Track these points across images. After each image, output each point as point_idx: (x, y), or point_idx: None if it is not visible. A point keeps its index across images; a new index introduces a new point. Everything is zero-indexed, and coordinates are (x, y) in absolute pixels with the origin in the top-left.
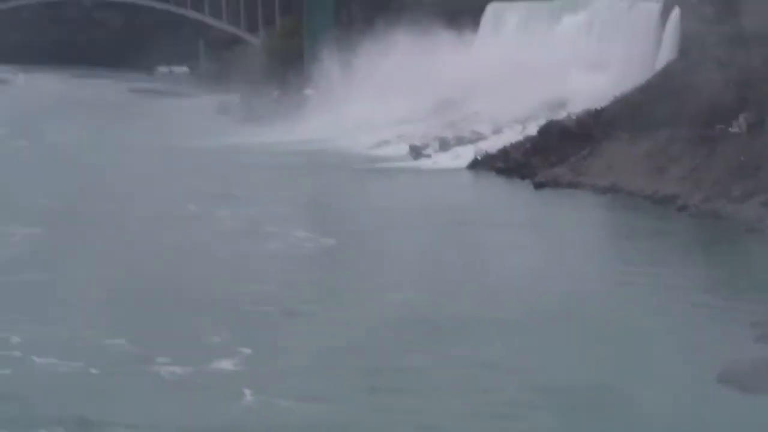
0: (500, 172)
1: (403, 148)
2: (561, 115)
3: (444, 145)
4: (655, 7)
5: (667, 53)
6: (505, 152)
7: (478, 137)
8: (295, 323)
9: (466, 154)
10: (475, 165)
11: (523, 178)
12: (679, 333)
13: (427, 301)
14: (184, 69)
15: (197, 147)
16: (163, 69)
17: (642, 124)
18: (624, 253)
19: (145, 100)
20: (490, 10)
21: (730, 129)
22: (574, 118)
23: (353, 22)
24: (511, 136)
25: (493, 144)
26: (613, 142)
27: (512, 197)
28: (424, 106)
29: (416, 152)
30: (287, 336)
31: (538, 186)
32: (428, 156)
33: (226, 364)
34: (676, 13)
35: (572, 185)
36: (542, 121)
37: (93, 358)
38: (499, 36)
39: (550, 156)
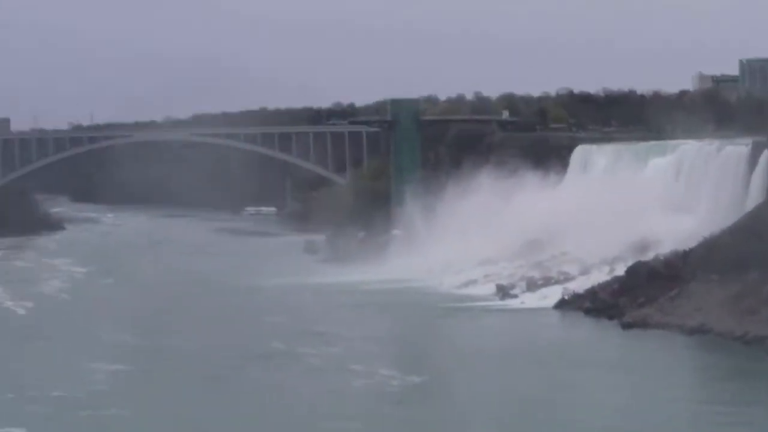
0: (588, 312)
1: (490, 288)
2: (648, 256)
3: (531, 285)
4: (744, 150)
5: (755, 195)
6: (592, 292)
7: (566, 277)
8: None
9: (553, 295)
10: (563, 305)
11: (610, 318)
12: None
13: None
14: (272, 209)
15: (283, 285)
16: (250, 209)
17: (731, 265)
18: (713, 393)
19: (231, 239)
20: (578, 151)
21: None
22: (662, 259)
23: (440, 163)
24: (599, 276)
25: (580, 284)
26: (702, 283)
27: (600, 338)
28: (511, 246)
29: (503, 292)
30: None
31: (626, 326)
32: (515, 296)
33: None
34: (765, 155)
35: (660, 326)
36: (630, 262)
37: None
38: (587, 177)
39: (638, 297)
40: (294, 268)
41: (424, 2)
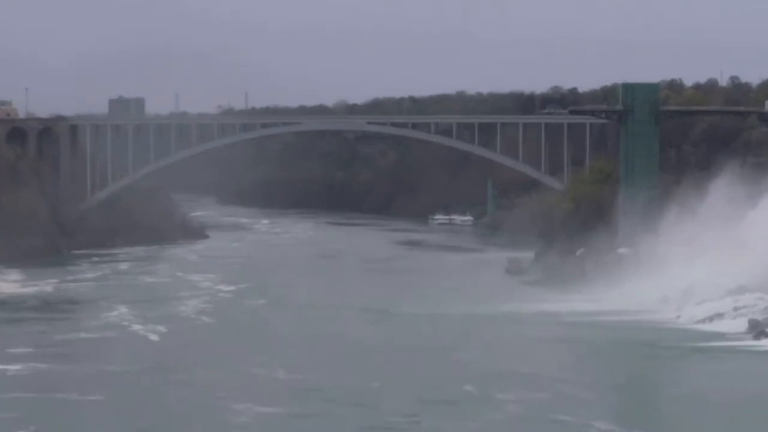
0: None
1: (741, 324)
2: None
3: None
4: None
5: None
6: None
7: None
8: None
9: None
10: None
11: None
12: None
13: None
14: (467, 218)
15: (478, 314)
16: (440, 218)
17: None
18: None
19: (416, 254)
20: None
21: None
22: None
23: (683, 165)
24: None
25: None
26: None
27: None
28: None
29: (758, 329)
30: None
31: None
32: None
33: None
34: None
35: None
36: None
37: None
38: None
39: None
40: (493, 291)
41: None
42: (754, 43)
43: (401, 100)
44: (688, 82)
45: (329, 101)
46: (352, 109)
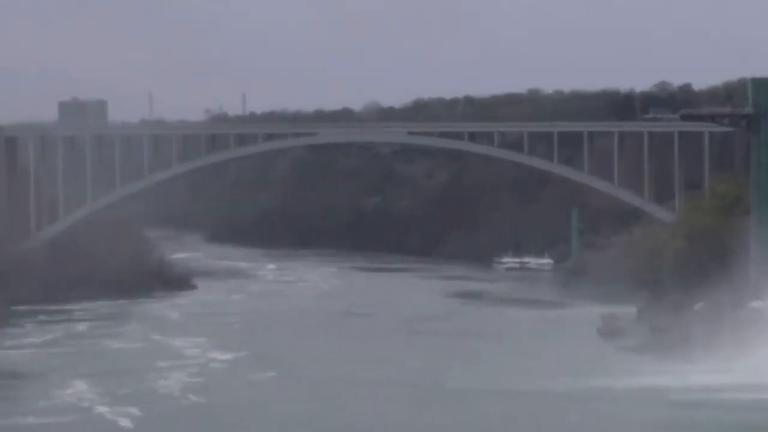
0: None
1: None
2: None
3: None
4: None
5: None
6: None
7: None
8: None
9: None
10: None
11: None
12: None
13: None
14: (546, 261)
15: (561, 391)
16: (509, 260)
17: None
18: None
19: (476, 310)
20: None
21: None
22: None
23: None
24: None
25: None
26: None
27: None
28: None
29: None
30: None
31: None
32: None
33: None
34: None
35: None
36: None
37: None
38: None
39: None
40: (582, 360)
41: None
42: None
43: (454, 101)
44: None
45: (356, 104)
46: (387, 115)
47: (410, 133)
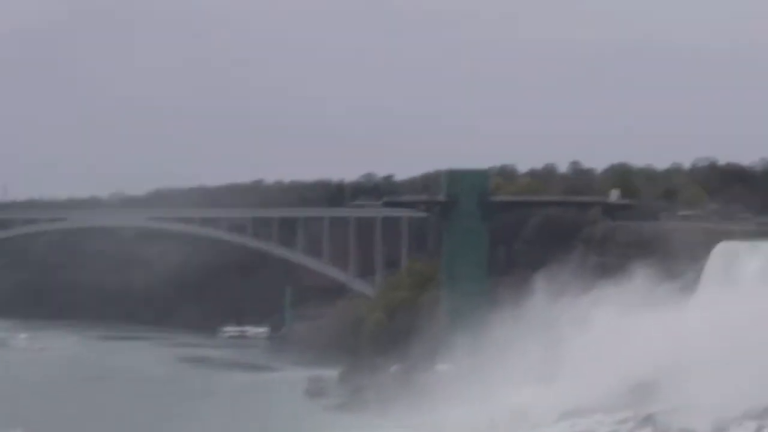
0: None
1: None
2: None
3: None
4: None
5: None
6: None
7: None
8: None
9: None
10: None
11: None
12: None
13: None
14: (262, 330)
15: None
16: (230, 329)
17: None
18: None
19: (201, 374)
20: (720, 250)
21: None
22: None
23: (515, 266)
24: None
25: None
26: None
27: None
28: (611, 391)
29: None
30: None
31: None
32: None
33: None
34: None
35: None
36: None
37: None
38: (731, 288)
39: None
40: (290, 421)
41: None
42: (598, 127)
43: (190, 190)
44: (523, 167)
45: (104, 192)
46: (130, 202)
47: (149, 219)
